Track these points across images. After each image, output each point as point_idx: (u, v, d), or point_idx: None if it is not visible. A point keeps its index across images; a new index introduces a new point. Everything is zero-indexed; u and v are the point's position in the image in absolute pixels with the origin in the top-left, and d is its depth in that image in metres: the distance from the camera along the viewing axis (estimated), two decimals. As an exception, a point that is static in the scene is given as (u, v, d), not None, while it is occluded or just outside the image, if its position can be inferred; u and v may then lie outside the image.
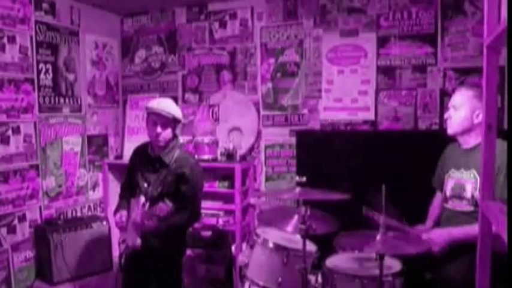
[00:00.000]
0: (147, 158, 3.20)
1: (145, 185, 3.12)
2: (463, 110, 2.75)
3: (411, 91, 4.15)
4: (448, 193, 2.85)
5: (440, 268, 2.69)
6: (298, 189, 2.60)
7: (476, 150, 2.58)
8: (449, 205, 2.83)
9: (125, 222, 3.10)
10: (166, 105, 3.08)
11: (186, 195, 3.04)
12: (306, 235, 2.55)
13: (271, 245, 2.77)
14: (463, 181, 2.73)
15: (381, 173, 3.70)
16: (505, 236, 1.26)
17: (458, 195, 2.75)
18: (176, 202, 2.97)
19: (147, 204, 2.95)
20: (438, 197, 3.11)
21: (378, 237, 2.31)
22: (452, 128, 2.84)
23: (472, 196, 2.65)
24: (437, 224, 3.00)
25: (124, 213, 3.14)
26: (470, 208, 2.66)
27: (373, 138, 4.19)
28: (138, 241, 2.98)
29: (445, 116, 2.89)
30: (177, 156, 3.09)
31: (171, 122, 3.07)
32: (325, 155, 4.19)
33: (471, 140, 2.77)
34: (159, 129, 3.04)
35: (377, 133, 4.23)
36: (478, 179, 2.50)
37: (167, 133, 3.08)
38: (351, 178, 3.90)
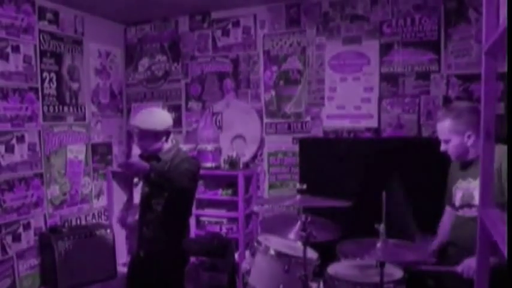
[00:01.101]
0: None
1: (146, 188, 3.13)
2: (453, 141, 2.73)
3: (414, 98, 4.15)
4: (457, 203, 2.84)
5: (442, 275, 2.68)
6: (298, 197, 2.59)
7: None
8: (460, 213, 2.82)
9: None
10: (137, 118, 3.11)
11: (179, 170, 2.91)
12: (307, 242, 2.54)
13: (272, 252, 2.76)
14: (471, 189, 2.72)
15: (384, 180, 3.70)
16: (501, 244, 1.25)
17: (468, 204, 2.73)
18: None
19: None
20: (448, 213, 3.07)
21: (378, 244, 2.30)
22: (453, 156, 2.82)
23: None
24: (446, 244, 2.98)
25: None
26: None
27: (377, 146, 4.18)
28: (130, 219, 3.03)
29: (442, 149, 2.85)
30: (171, 164, 3.02)
31: (146, 133, 3.03)
32: (328, 163, 4.18)
33: (473, 153, 2.76)
34: (136, 141, 3.13)
35: (380, 140, 4.22)
36: None
37: (144, 143, 3.07)
38: (354, 185, 3.89)
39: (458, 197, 2.83)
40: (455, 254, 2.73)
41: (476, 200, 2.67)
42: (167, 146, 3.11)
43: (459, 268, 2.53)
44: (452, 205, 2.90)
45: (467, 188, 2.75)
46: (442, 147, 2.82)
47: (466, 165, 2.81)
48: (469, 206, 2.73)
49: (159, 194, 3.00)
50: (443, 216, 3.10)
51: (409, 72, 4.16)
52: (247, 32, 4.79)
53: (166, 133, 3.08)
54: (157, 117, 3.09)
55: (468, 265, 2.49)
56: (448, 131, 2.73)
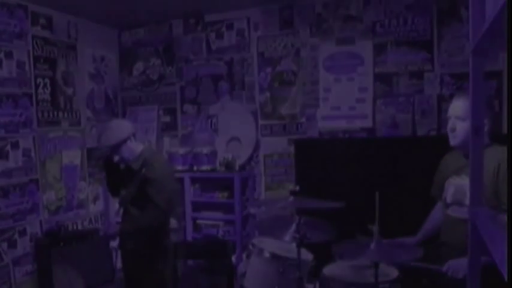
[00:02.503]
0: (125, 168, 3.34)
1: (124, 191, 3.31)
2: (468, 121, 2.64)
3: (408, 97, 4.15)
4: (448, 200, 2.81)
5: (437, 275, 2.67)
6: (291, 198, 2.59)
7: None
8: (450, 212, 2.79)
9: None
10: (98, 139, 3.42)
11: (151, 198, 3.08)
12: (301, 244, 2.54)
13: (267, 254, 2.77)
14: (465, 187, 2.67)
15: (380, 179, 3.71)
16: (489, 244, 1.25)
17: (459, 202, 2.70)
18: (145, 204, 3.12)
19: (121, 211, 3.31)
20: (438, 209, 3.05)
21: (372, 245, 2.31)
22: (458, 138, 2.69)
23: None
24: (431, 236, 2.96)
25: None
26: None
27: (372, 146, 4.18)
28: None
29: (449, 126, 2.77)
30: (144, 159, 3.18)
31: (115, 146, 3.17)
32: (324, 164, 4.19)
33: None
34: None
35: (375, 140, 4.23)
36: None
37: (119, 154, 3.21)
38: (350, 186, 3.89)
39: (449, 193, 2.78)
40: (446, 254, 2.72)
41: (468, 199, 2.65)
42: (137, 150, 3.25)
43: (444, 268, 2.54)
44: (444, 200, 2.87)
45: (460, 185, 2.71)
46: (450, 124, 2.67)
47: (462, 160, 2.74)
48: (460, 204, 2.69)
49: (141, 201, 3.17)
50: (433, 212, 3.07)
51: (402, 71, 4.16)
52: (241, 34, 4.79)
53: (129, 138, 3.20)
54: (112, 132, 3.24)
55: (453, 265, 2.50)
56: (468, 111, 2.63)
